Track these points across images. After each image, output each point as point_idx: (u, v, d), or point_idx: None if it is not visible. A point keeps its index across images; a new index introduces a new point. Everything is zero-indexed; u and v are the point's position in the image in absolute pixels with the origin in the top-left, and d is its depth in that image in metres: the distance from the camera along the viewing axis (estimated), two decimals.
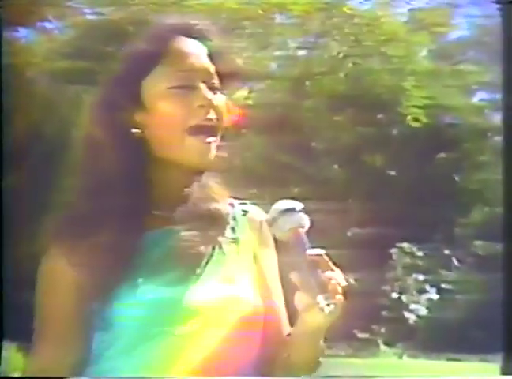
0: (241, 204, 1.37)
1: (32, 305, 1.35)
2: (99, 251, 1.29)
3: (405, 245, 9.97)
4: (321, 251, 1.21)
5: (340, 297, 1.20)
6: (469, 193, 9.85)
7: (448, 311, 9.64)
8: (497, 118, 10.20)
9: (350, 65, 9.90)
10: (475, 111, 10.10)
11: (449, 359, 8.42)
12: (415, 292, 10.00)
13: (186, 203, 1.33)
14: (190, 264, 1.29)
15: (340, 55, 9.91)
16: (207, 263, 1.30)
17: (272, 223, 1.25)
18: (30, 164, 7.02)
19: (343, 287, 1.21)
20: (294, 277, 1.21)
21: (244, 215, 1.35)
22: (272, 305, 1.31)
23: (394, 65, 9.51)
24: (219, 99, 1.34)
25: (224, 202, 1.36)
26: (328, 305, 1.18)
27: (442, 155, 10.23)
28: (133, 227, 1.31)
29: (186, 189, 1.34)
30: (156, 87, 1.33)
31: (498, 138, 10.26)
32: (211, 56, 1.36)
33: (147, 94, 1.34)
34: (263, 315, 1.30)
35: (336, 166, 10.18)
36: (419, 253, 9.99)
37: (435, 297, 9.85)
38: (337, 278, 1.20)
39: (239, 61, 1.44)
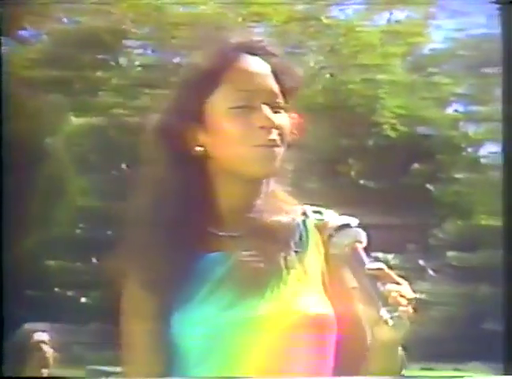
0: (315, 212, 1.36)
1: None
2: (165, 273, 1.30)
3: (379, 254, 10.01)
4: (382, 265, 1.22)
5: (404, 309, 1.20)
6: (443, 204, 9.91)
7: (422, 321, 9.68)
8: (471, 130, 10.27)
9: (327, 76, 9.94)
10: (449, 123, 10.17)
11: (422, 369, 8.45)
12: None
13: (252, 216, 1.33)
14: (252, 284, 1.29)
15: (317, 66, 9.96)
16: (272, 279, 1.29)
17: (328, 240, 1.26)
18: (7, 172, 6.98)
19: (409, 299, 1.21)
20: (356, 293, 1.20)
21: (318, 222, 1.34)
22: (347, 313, 1.30)
23: (370, 76, 9.57)
24: (282, 119, 1.35)
25: (292, 211, 1.35)
26: (392, 317, 1.19)
27: (417, 166, 10.29)
28: (196, 248, 1.32)
29: (251, 203, 1.34)
30: (219, 106, 1.34)
31: (472, 150, 10.33)
32: (276, 74, 1.36)
33: (209, 113, 1.35)
34: (334, 325, 1.29)
35: (312, 177, 10.21)
36: (394, 263, 10.03)
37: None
38: (400, 290, 1.20)
39: (300, 81, 1.44)
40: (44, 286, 8.81)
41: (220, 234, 1.32)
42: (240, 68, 1.34)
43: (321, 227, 1.33)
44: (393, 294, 1.19)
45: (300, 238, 1.33)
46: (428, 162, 10.13)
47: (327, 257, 1.33)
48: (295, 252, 1.31)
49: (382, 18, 10.05)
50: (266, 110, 1.33)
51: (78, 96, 9.22)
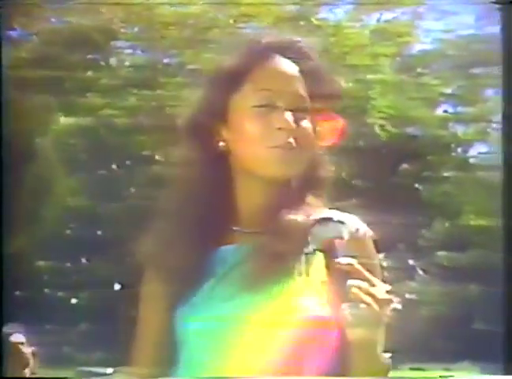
0: (338, 221, 1.31)
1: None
2: (180, 263, 1.32)
3: None
4: (352, 260, 1.20)
5: (363, 306, 1.18)
6: (432, 205, 9.94)
7: (412, 321, 9.70)
8: (460, 131, 10.31)
9: None
10: (439, 123, 10.20)
11: (412, 369, 8.47)
12: None
13: (269, 215, 1.32)
14: (258, 279, 1.29)
15: None
16: (276, 277, 1.29)
17: (307, 231, 1.24)
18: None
19: (379, 299, 1.19)
20: (327, 289, 1.21)
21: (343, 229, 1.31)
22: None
23: (360, 76, 9.58)
24: (303, 123, 1.34)
25: (313, 214, 1.33)
26: (351, 314, 1.17)
27: (406, 166, 10.31)
28: (214, 242, 1.33)
29: (272, 204, 1.34)
30: (242, 104, 1.34)
31: (461, 150, 10.37)
32: (307, 78, 1.36)
33: (233, 110, 1.35)
34: (334, 329, 1.28)
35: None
36: (383, 263, 10.05)
37: (399, 307, 9.91)
38: (367, 288, 1.18)
39: (342, 84, 1.43)
40: (34, 286, 8.79)
41: (235, 229, 1.32)
42: (266, 67, 1.34)
43: (355, 227, 1.32)
44: (354, 290, 1.17)
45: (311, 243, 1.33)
46: (417, 162, 10.16)
47: (328, 261, 1.33)
48: (305, 254, 1.31)
49: (371, 19, 10.08)
50: (287, 112, 1.32)
51: (68, 96, 9.20)
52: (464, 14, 9.32)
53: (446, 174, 10.06)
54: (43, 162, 8.79)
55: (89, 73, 9.48)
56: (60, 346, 8.14)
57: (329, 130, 1.39)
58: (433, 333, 9.24)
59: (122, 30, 9.54)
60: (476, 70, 9.55)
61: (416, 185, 10.15)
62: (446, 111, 10.28)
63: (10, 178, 7.70)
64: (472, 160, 10.28)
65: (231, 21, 8.85)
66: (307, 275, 1.26)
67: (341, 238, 1.22)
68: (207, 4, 9.11)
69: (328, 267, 1.22)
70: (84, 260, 9.19)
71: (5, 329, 3.70)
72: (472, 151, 10.36)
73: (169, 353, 1.31)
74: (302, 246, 1.27)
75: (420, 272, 10.03)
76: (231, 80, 1.35)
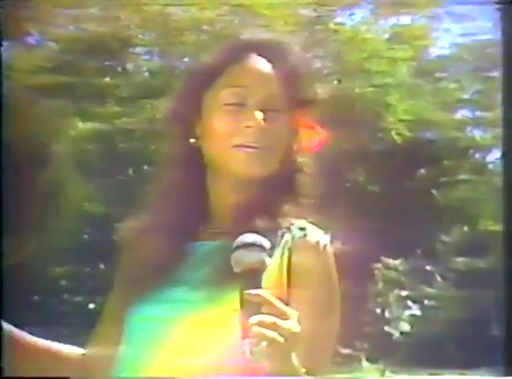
0: (300, 228, 1.31)
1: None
2: (142, 255, 1.32)
3: (388, 260, 9.99)
4: (262, 292, 1.16)
5: (265, 343, 1.13)
6: (450, 210, 9.88)
7: (430, 327, 9.65)
8: (478, 135, 10.26)
9: (334, 82, 9.94)
10: (456, 128, 10.16)
11: (431, 374, 8.43)
12: (397, 308, 10.01)
13: (240, 215, 1.31)
14: (219, 282, 1.27)
15: (324, 72, 9.95)
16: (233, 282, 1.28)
17: (232, 253, 1.20)
18: (9, 178, 6.99)
19: (285, 330, 1.14)
20: (237, 317, 1.17)
21: (302, 236, 1.30)
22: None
23: (376, 81, 9.56)
24: (273, 123, 1.32)
25: (279, 220, 1.32)
26: (250, 351, 1.14)
27: (423, 171, 10.27)
28: (185, 236, 1.32)
29: (240, 202, 1.33)
30: (213, 101, 1.33)
31: (479, 155, 10.32)
32: (286, 79, 1.33)
33: (205, 107, 1.34)
34: None
35: (318, 182, 10.19)
36: (401, 269, 10.01)
37: (418, 313, 9.86)
38: (275, 322, 1.14)
39: (320, 87, 1.41)
40: (52, 292, 8.81)
41: (204, 227, 1.32)
42: (240, 65, 1.33)
43: (315, 238, 1.30)
44: (255, 328, 1.13)
45: (282, 249, 1.31)
46: (435, 167, 10.12)
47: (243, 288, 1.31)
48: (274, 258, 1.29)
49: (388, 23, 10.06)
50: (256, 110, 1.31)
51: (84, 102, 9.23)
52: (481, 18, 9.27)
53: (463, 179, 10.02)
54: (58, 167, 8.82)
55: (106, 79, 9.50)
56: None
57: (308, 138, 1.36)
58: (451, 339, 9.19)
59: (139, 36, 9.56)
60: (493, 74, 9.50)
61: (433, 191, 10.10)
62: (463, 116, 10.24)
63: (26, 183, 7.72)
64: (489, 165, 10.22)
65: (246, 25, 8.84)
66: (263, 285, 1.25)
67: (261, 265, 1.18)
68: (223, 9, 9.11)
69: (241, 292, 1.18)
70: (101, 266, 9.20)
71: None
72: (490, 157, 10.31)
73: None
74: (267, 254, 1.26)
75: (438, 278, 9.97)
76: (205, 77, 1.34)
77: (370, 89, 9.68)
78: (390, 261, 9.95)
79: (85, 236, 9.27)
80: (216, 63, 1.33)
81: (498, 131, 9.86)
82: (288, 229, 1.30)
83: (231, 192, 1.33)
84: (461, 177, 10.04)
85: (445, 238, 10.00)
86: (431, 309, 9.73)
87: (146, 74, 9.69)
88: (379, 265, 9.96)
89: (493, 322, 8.88)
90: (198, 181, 1.34)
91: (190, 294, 1.27)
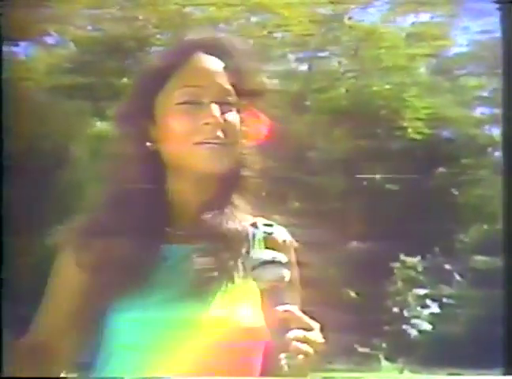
0: (265, 225, 1.31)
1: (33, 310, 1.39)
2: (108, 257, 1.30)
3: (407, 259, 9.96)
4: (291, 308, 1.19)
5: (301, 357, 1.17)
6: (469, 208, 9.84)
7: (449, 326, 9.61)
8: (497, 133, 10.21)
9: (351, 79, 9.92)
10: (475, 126, 10.11)
11: (449, 374, 8.39)
12: (416, 307, 9.98)
13: (204, 218, 1.32)
14: (195, 284, 1.28)
15: (341, 69, 9.94)
16: (214, 284, 1.29)
17: (251, 271, 1.22)
18: (29, 178, 7.03)
19: (315, 344, 1.18)
20: (270, 333, 1.20)
21: (266, 236, 1.30)
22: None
23: (394, 79, 9.53)
24: (230, 117, 1.34)
25: (243, 221, 1.34)
26: (288, 365, 1.17)
27: (442, 169, 10.23)
28: (148, 238, 1.32)
29: (202, 204, 1.33)
30: (166, 102, 1.34)
31: (498, 153, 10.27)
32: (233, 73, 1.35)
33: (158, 109, 1.35)
34: (263, 340, 1.28)
35: (336, 180, 10.19)
36: (420, 268, 9.98)
37: (437, 311, 9.83)
38: (306, 336, 1.17)
39: (264, 79, 1.43)
40: None
41: (170, 229, 1.32)
42: (190, 65, 1.34)
43: (281, 238, 1.32)
44: (294, 343, 1.16)
45: (247, 249, 1.32)
46: (453, 165, 10.07)
47: (267, 305, 1.31)
48: (242, 262, 1.30)
49: (406, 20, 10.03)
50: (213, 107, 1.32)
51: (102, 102, 9.26)
52: (499, 15, 9.22)
53: (482, 177, 9.97)
54: (76, 167, 8.85)
55: (124, 80, 9.54)
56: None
57: (253, 128, 1.37)
58: (470, 338, 9.15)
59: (157, 36, 9.59)
60: None
61: (453, 190, 10.06)
62: (482, 113, 10.19)
63: (42, 182, 7.76)
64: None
65: (265, 32, 8.84)
66: (245, 284, 1.26)
67: (282, 280, 1.21)
68: (239, 8, 9.12)
69: (265, 309, 1.21)
70: None
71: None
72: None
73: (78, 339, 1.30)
74: (239, 255, 1.27)
75: (457, 277, 9.93)
76: (155, 79, 1.35)
77: (387, 87, 9.65)
78: (409, 260, 9.92)
79: None
80: (165, 65, 1.34)
81: None
82: (255, 225, 1.30)
83: (192, 191, 1.33)
84: (480, 175, 10.00)
85: (463, 236, 9.96)
86: (450, 308, 9.70)
87: None
88: (398, 264, 9.94)
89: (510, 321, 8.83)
90: (158, 182, 1.34)
91: (172, 297, 1.27)
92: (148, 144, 1.35)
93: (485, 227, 9.96)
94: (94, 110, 9.23)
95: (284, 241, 1.31)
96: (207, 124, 1.32)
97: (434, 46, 9.88)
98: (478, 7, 9.35)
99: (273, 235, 1.28)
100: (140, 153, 1.34)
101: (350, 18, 9.29)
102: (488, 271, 9.46)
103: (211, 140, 1.31)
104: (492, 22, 9.41)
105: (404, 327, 9.86)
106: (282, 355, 1.18)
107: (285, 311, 1.18)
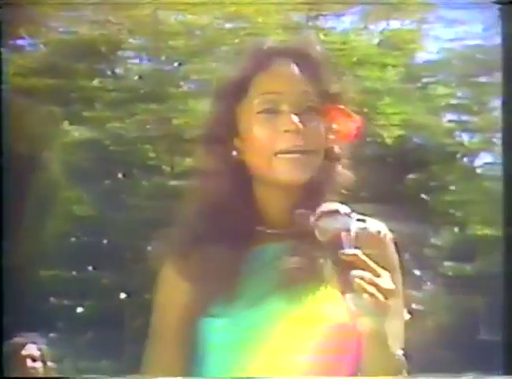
0: (358, 220, 1.31)
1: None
2: (208, 264, 1.31)
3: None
4: (357, 251, 1.19)
5: (366, 296, 1.16)
6: (438, 214, 9.91)
7: (418, 332, 9.67)
8: (466, 139, 10.29)
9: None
10: (445, 132, 10.19)
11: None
12: None
13: (293, 218, 1.31)
14: (291, 283, 1.29)
15: None
16: (304, 278, 1.29)
17: (314, 224, 1.22)
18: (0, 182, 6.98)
19: (384, 289, 1.18)
20: (332, 280, 1.19)
21: (360, 231, 1.30)
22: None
23: (366, 86, 9.58)
24: (312, 123, 1.34)
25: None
26: (355, 304, 1.16)
27: (411, 175, 10.30)
28: (239, 244, 1.33)
29: (292, 206, 1.33)
30: (248, 112, 1.35)
31: (467, 159, 10.34)
32: (315, 78, 1.36)
33: (242, 119, 1.35)
34: (355, 334, 1.27)
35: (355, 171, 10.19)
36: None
37: (407, 317, 9.87)
38: (372, 278, 1.17)
39: (345, 83, 1.44)
40: (39, 295, 8.79)
41: (260, 229, 1.33)
42: (268, 72, 1.35)
43: (377, 231, 1.32)
44: (357, 280, 1.16)
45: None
46: (423, 171, 10.14)
47: (334, 253, 1.31)
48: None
49: (377, 28, 10.08)
50: (292, 114, 1.31)
51: (74, 106, 9.21)
52: (471, 23, 9.31)
53: (451, 184, 10.04)
54: (49, 171, 8.80)
55: (95, 83, 9.49)
56: (65, 354, 8.13)
57: (345, 127, 1.38)
58: (440, 344, 9.21)
59: (129, 40, 9.56)
60: (483, 79, 9.54)
61: (422, 195, 10.13)
62: (452, 120, 10.27)
63: (16, 187, 7.71)
64: (478, 170, 10.26)
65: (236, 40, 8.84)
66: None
67: (348, 230, 1.20)
68: (214, 14, 9.12)
69: (335, 259, 1.20)
70: (90, 269, 9.18)
71: (18, 339, 3.54)
72: (479, 161, 10.35)
73: (187, 356, 1.31)
74: (331, 250, 1.26)
75: (427, 283, 9.99)
76: (235, 89, 1.36)
77: (358, 94, 9.70)
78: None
79: (73, 239, 9.25)
80: (243, 75, 1.35)
81: (488, 135, 9.90)
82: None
83: (280, 198, 1.34)
84: (450, 181, 10.07)
85: (433, 242, 10.03)
86: (419, 314, 9.75)
87: (135, 78, 9.68)
88: None
89: (483, 328, 8.91)
90: (245, 191, 1.34)
91: (264, 296, 1.28)
92: (233, 153, 1.34)
93: (455, 232, 10.04)
94: (65, 114, 9.18)
95: (379, 232, 1.31)
96: (287, 131, 1.32)
97: (405, 54, 9.94)
98: (450, 15, 9.42)
99: (368, 229, 1.28)
100: (226, 164, 1.35)
101: (325, 29, 9.33)
102: (457, 277, 9.53)
103: (292, 149, 1.31)
104: (463, 30, 9.50)
105: None
106: (348, 295, 1.16)
107: (351, 254, 1.17)
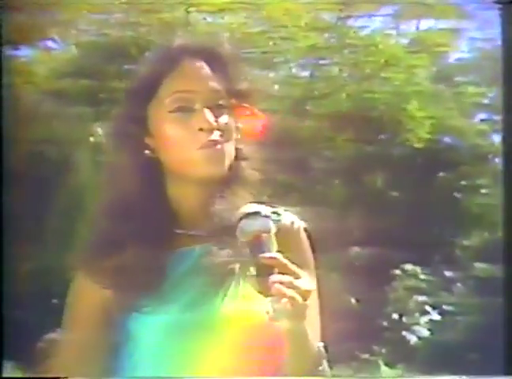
0: (273, 213, 1.33)
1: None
2: (123, 270, 1.32)
3: (408, 266, 9.95)
4: (277, 255, 1.19)
5: (285, 300, 1.17)
6: (469, 216, 9.84)
7: (449, 333, 9.61)
8: (497, 140, 10.21)
9: (351, 86, 9.92)
10: (476, 133, 10.12)
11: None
12: (416, 313, 9.97)
13: (210, 217, 1.34)
14: (213, 281, 1.31)
15: (342, 75, 9.94)
16: (231, 277, 1.31)
17: (235, 225, 1.24)
18: (31, 185, 7.03)
19: (302, 291, 1.18)
20: (252, 281, 1.22)
21: (277, 221, 1.32)
22: None
23: (395, 88, 9.53)
24: (223, 119, 1.35)
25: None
26: (273, 309, 1.17)
27: (443, 176, 10.23)
28: (157, 246, 1.34)
29: (207, 203, 1.35)
30: (159, 110, 1.36)
31: (499, 160, 10.27)
32: (222, 76, 1.36)
33: (152, 117, 1.37)
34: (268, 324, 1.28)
35: (337, 187, 10.19)
36: (422, 275, 9.97)
37: (437, 318, 9.82)
38: (291, 281, 1.17)
39: (252, 80, 1.45)
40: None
41: (179, 232, 1.33)
42: (179, 71, 1.36)
43: (291, 223, 1.33)
44: (276, 285, 1.17)
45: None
46: (454, 172, 10.07)
47: (253, 255, 1.32)
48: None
49: (408, 28, 10.03)
50: (205, 112, 1.32)
51: (104, 107, 9.27)
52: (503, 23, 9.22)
53: (483, 186, 9.97)
54: (79, 174, 8.85)
55: (125, 84, 9.55)
56: None
57: (251, 125, 1.39)
58: (470, 346, 9.14)
59: (158, 41, 9.59)
60: None
61: (455, 195, 10.06)
62: (483, 121, 10.19)
63: (44, 189, 7.76)
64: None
65: (271, 43, 8.84)
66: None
67: (268, 231, 1.22)
68: (242, 15, 9.13)
69: (254, 261, 1.22)
70: None
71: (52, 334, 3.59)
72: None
73: (105, 358, 1.31)
74: (252, 252, 1.27)
75: (457, 284, 9.92)
76: (146, 88, 1.35)
77: (389, 93, 9.65)
78: (410, 267, 9.91)
79: None
80: (154, 72, 1.35)
81: None
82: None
83: (195, 194, 1.35)
84: (481, 182, 9.99)
85: (464, 243, 9.96)
86: (450, 315, 9.69)
87: None
88: (400, 271, 9.93)
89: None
90: (158, 189, 1.35)
91: (193, 298, 1.28)
92: (146, 152, 1.35)
93: (485, 233, 9.96)
94: (95, 115, 9.24)
95: (293, 223, 1.32)
96: (201, 130, 1.31)
97: (435, 54, 9.89)
98: (481, 15, 9.35)
99: (282, 221, 1.29)
100: (137, 162, 1.36)
101: (354, 29, 9.30)
102: (488, 278, 9.45)
103: (207, 145, 1.32)
104: (495, 30, 9.42)
105: (403, 333, 9.84)
106: (267, 300, 1.17)
107: (270, 257, 1.19)
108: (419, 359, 9.43)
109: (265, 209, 1.26)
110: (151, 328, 1.26)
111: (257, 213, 1.25)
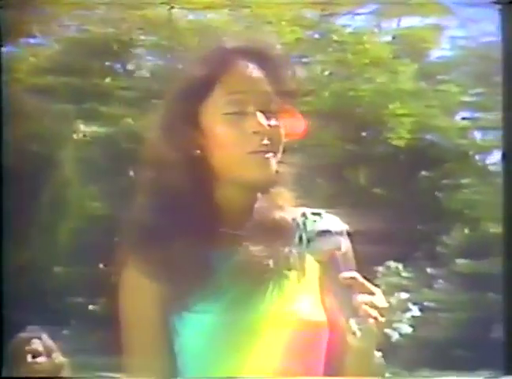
0: (314, 214, 1.34)
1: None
2: (171, 263, 1.31)
3: (391, 263, 9.99)
4: (356, 274, 1.21)
5: (372, 320, 1.19)
6: (451, 212, 9.89)
7: (431, 329, 9.65)
8: (479, 138, 10.26)
9: (334, 83, 9.94)
10: (457, 131, 10.16)
11: (431, 376, 8.42)
12: (398, 310, 10.01)
13: (252, 217, 1.33)
14: (255, 281, 1.30)
15: (326, 73, 9.96)
16: (272, 278, 1.30)
17: (308, 243, 1.26)
18: (15, 180, 7.00)
19: (381, 308, 1.20)
20: (329, 301, 1.22)
21: (316, 224, 1.33)
22: (337, 320, 1.29)
23: (378, 86, 9.56)
24: (275, 123, 1.35)
25: (291, 210, 1.35)
26: (360, 329, 1.18)
27: (425, 174, 10.27)
28: (202, 243, 1.33)
29: (252, 204, 1.35)
30: (212, 111, 1.35)
31: (480, 158, 10.31)
32: (272, 77, 1.37)
33: (204, 118, 1.36)
34: (327, 331, 1.30)
35: (320, 183, 10.21)
36: (404, 272, 10.01)
37: (418, 314, 9.86)
38: (372, 300, 1.20)
39: (298, 83, 1.44)
40: (52, 292, 8.82)
41: (222, 231, 1.32)
42: (233, 73, 1.35)
43: (332, 226, 1.32)
44: (364, 306, 1.19)
45: (300, 240, 1.33)
46: (436, 169, 10.12)
47: (328, 273, 1.31)
48: (297, 252, 1.31)
49: (390, 25, 10.06)
50: (259, 115, 1.33)
51: (87, 103, 9.24)
52: (486, 21, 9.27)
53: (464, 182, 10.01)
54: (61, 169, 8.82)
55: (108, 80, 9.51)
56: (78, 351, 8.16)
57: (291, 128, 1.40)
58: (452, 342, 9.19)
59: (142, 37, 9.57)
60: (496, 78, 9.50)
61: (436, 193, 10.11)
62: (464, 118, 10.24)
63: (29, 185, 7.73)
64: (490, 168, 10.23)
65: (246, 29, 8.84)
66: (303, 275, 1.27)
67: (339, 249, 1.22)
68: (227, 12, 9.12)
69: (326, 278, 1.23)
70: (101, 266, 9.21)
71: (23, 334, 3.55)
72: (491, 159, 10.32)
73: (163, 356, 1.31)
74: (291, 244, 1.28)
75: (439, 281, 9.97)
76: (199, 88, 1.35)
77: (371, 93, 9.68)
78: (394, 264, 9.95)
79: (88, 236, 9.28)
80: (208, 73, 1.34)
81: (500, 133, 9.86)
82: (304, 215, 1.34)
83: (241, 196, 1.35)
84: (463, 179, 10.04)
85: (445, 240, 10.01)
86: (432, 311, 9.74)
87: (148, 75, 9.71)
88: (383, 268, 9.96)
89: (494, 325, 8.89)
90: (205, 188, 1.34)
91: (236, 297, 1.28)
92: (196, 151, 1.34)
93: (467, 230, 10.01)
94: (78, 111, 9.20)
95: (336, 230, 1.31)
96: (255, 133, 1.32)
97: (417, 53, 9.92)
98: (464, 13, 9.38)
99: (322, 223, 1.29)
100: (186, 160, 1.35)
101: (338, 27, 9.31)
102: (469, 274, 9.50)
103: (260, 149, 1.33)
104: (478, 29, 9.46)
105: (385, 330, 9.88)
106: (352, 321, 1.18)
107: (351, 277, 1.19)
108: (400, 356, 9.48)
109: (332, 226, 1.26)
110: (197, 328, 1.26)
111: (328, 231, 1.25)
